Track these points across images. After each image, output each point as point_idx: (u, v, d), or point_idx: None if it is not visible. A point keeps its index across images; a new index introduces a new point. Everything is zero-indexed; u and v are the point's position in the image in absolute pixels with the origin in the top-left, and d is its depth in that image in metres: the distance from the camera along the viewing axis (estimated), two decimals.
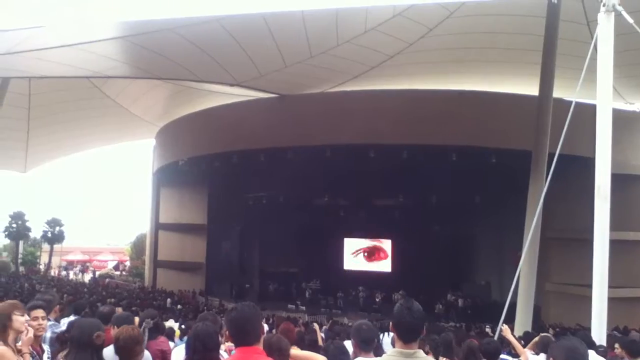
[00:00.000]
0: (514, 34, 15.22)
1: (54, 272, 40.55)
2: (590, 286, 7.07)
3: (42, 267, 41.99)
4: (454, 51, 16.76)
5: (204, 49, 14.65)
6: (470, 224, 26.18)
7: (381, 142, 18.87)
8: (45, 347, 4.08)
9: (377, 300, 25.11)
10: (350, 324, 12.17)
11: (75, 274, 41.74)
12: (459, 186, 21.98)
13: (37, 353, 3.81)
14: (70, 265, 45.95)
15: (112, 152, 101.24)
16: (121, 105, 22.66)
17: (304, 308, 23.79)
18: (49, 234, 41.40)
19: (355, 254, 29.77)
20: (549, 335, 7.21)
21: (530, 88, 15.79)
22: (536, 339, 6.51)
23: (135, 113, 24.43)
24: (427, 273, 24.99)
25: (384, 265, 29.19)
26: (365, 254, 29.66)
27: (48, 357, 3.95)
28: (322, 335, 8.66)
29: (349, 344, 3.86)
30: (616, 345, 6.36)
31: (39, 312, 3.93)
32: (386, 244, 29.40)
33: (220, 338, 4.59)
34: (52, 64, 14.26)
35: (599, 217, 7.05)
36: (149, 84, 20.72)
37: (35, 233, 43.22)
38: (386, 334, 8.65)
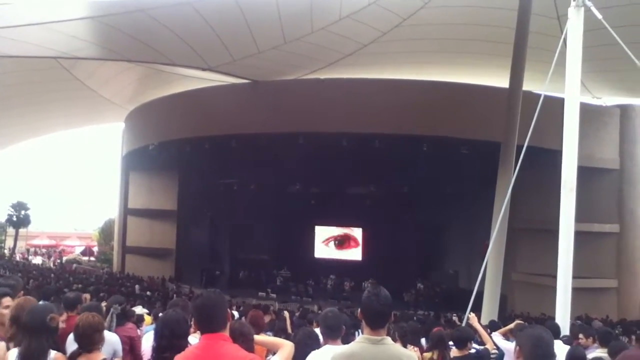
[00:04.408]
0: (486, 26, 15.35)
1: (18, 257, 39.73)
2: (555, 276, 7.21)
3: (6, 251, 41.08)
4: (427, 41, 16.83)
5: (176, 32, 14.40)
6: (440, 214, 26.47)
7: (354, 130, 18.91)
8: None
9: (346, 288, 25.32)
10: (320, 311, 12.22)
11: (43, 258, 40.90)
12: (430, 176, 22.20)
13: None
14: (33, 248, 45.11)
15: (80, 135, 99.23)
16: (90, 88, 22.15)
17: (274, 296, 23.82)
18: (14, 218, 40.48)
19: (326, 243, 29.90)
20: (524, 322, 7.36)
21: (501, 80, 15.98)
22: (511, 325, 6.64)
23: (105, 96, 23.92)
24: (397, 261, 25.25)
25: (355, 254, 29.43)
26: (336, 242, 29.82)
27: None
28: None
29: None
30: (580, 335, 6.52)
31: (8, 301, 3.86)
32: (357, 232, 29.63)
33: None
34: (19, 43, 13.83)
35: (565, 209, 7.17)
36: (120, 67, 20.29)
37: (0, 217, 42.32)
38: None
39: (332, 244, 29.91)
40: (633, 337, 11.39)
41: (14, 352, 3.27)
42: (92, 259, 43.14)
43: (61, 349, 3.64)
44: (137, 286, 21.06)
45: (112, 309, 5.03)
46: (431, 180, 23.00)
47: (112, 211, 37.57)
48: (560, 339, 5.76)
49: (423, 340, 6.53)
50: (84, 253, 45.81)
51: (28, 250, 43.92)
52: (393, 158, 20.28)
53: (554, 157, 9.65)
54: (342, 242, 29.82)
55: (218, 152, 21.83)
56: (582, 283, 16.39)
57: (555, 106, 9.05)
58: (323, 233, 30.16)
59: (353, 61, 18.01)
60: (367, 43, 16.67)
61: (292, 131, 19.36)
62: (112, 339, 4.14)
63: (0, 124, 24.21)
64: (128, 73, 21.33)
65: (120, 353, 4.31)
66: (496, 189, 13.94)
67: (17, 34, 13.05)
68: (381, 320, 2.69)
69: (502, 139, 14.15)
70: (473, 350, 5.53)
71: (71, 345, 3.69)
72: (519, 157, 8.52)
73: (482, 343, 6.12)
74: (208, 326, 2.58)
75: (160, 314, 5.24)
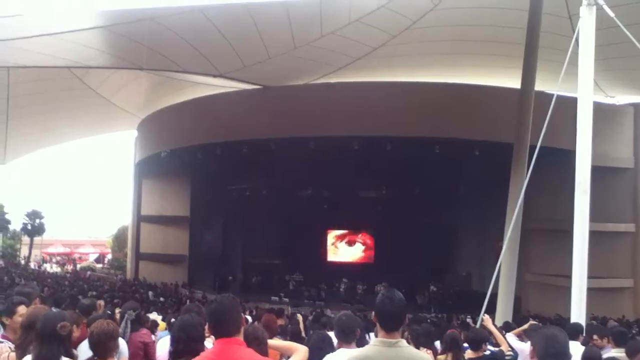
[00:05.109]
0: (497, 27, 15.29)
1: (33, 265, 40.09)
2: (569, 276, 7.15)
3: (22, 260, 41.47)
4: (438, 43, 16.78)
5: (187, 40, 14.50)
6: (453, 216, 26.37)
7: (365, 134, 18.87)
8: None
9: (359, 291, 25.25)
10: (333, 315, 12.19)
11: (57, 266, 41.21)
12: (442, 178, 22.15)
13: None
14: (48, 256, 45.48)
15: (93, 143, 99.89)
16: (102, 96, 22.36)
17: (287, 300, 23.78)
18: (29, 226, 40.84)
19: (335, 244, 30.12)
20: (538, 323, 7.30)
21: (513, 80, 15.89)
22: (525, 326, 6.58)
23: (117, 104, 24.14)
24: (410, 264, 25.16)
25: (364, 251, 29.52)
26: (345, 241, 30.12)
27: None
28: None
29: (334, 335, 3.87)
30: (594, 336, 6.46)
31: (23, 309, 3.94)
32: (368, 235, 29.72)
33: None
34: (32, 54, 14.01)
35: (579, 209, 7.13)
36: (131, 75, 20.46)
37: (15, 225, 42.69)
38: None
39: (341, 244, 30.10)
40: None
41: (28, 359, 3.31)
42: (106, 266, 43.42)
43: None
44: (150, 292, 21.15)
45: (126, 315, 5.05)
46: (442, 182, 22.93)
47: (125, 218, 37.79)
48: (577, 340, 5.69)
49: (437, 343, 6.50)
50: (97, 260, 46.15)
51: (44, 260, 44.27)
52: (404, 160, 20.24)
53: (567, 157, 9.60)
54: (350, 241, 30.08)
55: (229, 158, 21.88)
56: (597, 283, 16.23)
57: (568, 106, 9.01)
58: (333, 236, 30.44)
59: (363, 65, 18.00)
60: (377, 46, 16.66)
61: (303, 136, 19.37)
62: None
63: (14, 133, 24.44)
64: (140, 81, 21.49)
65: (126, 354, 4.32)
66: (509, 189, 13.88)
67: (29, 45, 13.23)
68: (395, 322, 2.69)
69: (515, 140, 14.09)
70: (487, 352, 5.49)
71: (82, 352, 3.71)
72: (532, 157, 8.47)
73: (496, 345, 6.08)
74: (222, 331, 2.59)
75: (173, 320, 5.26)
